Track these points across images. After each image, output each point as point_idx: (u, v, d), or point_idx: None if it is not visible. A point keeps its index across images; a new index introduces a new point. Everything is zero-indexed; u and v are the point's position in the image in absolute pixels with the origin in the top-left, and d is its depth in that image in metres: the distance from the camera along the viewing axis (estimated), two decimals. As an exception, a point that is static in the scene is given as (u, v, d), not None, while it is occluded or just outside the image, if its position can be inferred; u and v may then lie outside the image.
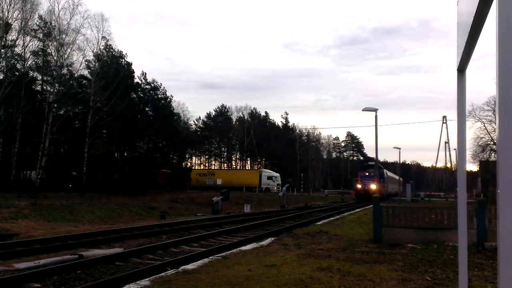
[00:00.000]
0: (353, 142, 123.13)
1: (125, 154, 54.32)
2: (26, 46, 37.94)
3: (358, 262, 9.21)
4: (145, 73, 55.96)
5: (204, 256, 10.32)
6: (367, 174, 49.70)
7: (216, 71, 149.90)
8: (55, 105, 39.27)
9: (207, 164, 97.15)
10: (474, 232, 11.25)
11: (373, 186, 44.35)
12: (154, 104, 55.54)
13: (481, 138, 49.35)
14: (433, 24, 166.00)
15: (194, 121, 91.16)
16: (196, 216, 26.78)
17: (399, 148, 57.28)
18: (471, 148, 48.94)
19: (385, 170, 52.92)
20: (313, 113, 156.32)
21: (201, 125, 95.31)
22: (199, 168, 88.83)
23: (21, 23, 36.36)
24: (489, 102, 46.35)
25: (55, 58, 39.16)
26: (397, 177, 70.67)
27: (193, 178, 64.82)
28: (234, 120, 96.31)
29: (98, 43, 43.18)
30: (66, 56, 39.08)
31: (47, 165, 38.31)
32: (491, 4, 1.69)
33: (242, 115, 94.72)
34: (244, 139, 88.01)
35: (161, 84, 57.48)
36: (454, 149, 48.85)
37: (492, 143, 47.21)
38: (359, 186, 50.83)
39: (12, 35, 36.86)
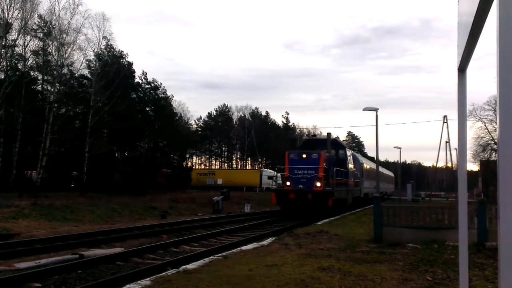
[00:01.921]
0: (354, 142, 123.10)
1: (126, 153, 54.38)
2: (27, 46, 38.01)
3: (358, 262, 9.21)
4: (146, 72, 56.07)
5: (204, 256, 10.33)
6: (304, 157, 23.65)
7: (217, 71, 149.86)
8: (56, 105, 39.28)
9: (207, 164, 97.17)
10: (474, 231, 11.24)
11: (317, 184, 22.84)
12: (154, 103, 55.58)
13: (482, 137, 49.41)
14: (434, 23, 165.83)
15: (194, 121, 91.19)
16: (197, 215, 26.78)
17: (400, 148, 57.29)
18: (471, 147, 48.99)
19: (350, 153, 29.77)
20: (314, 113, 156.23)
21: (201, 125, 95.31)
22: (199, 167, 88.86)
23: (21, 23, 36.38)
24: (489, 101, 46.42)
25: (55, 57, 39.18)
26: (387, 172, 56.38)
27: (194, 178, 64.82)
28: (234, 120, 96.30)
29: (99, 43, 43.20)
30: (66, 55, 39.09)
31: (47, 165, 38.32)
32: (492, 4, 1.69)
33: (242, 115, 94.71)
34: (244, 138, 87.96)
35: (161, 84, 57.61)
36: (455, 148, 48.86)
37: (492, 142, 47.21)
38: (287, 183, 23.85)
39: (12, 35, 36.90)
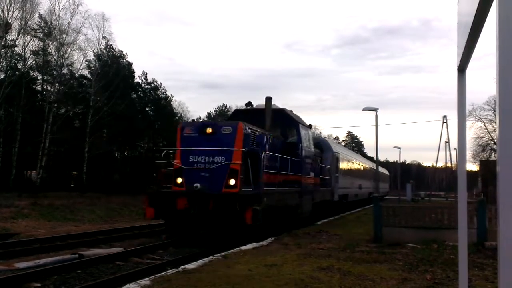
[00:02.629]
0: (353, 142, 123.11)
1: (126, 153, 54.36)
2: (26, 46, 37.97)
3: (358, 261, 9.21)
4: (146, 73, 55.92)
5: (204, 256, 10.32)
6: (208, 132, 13.03)
7: (217, 71, 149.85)
8: (56, 105, 39.26)
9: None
10: (474, 231, 11.26)
11: (230, 181, 12.36)
12: (154, 104, 55.54)
13: (482, 137, 49.45)
14: (434, 24, 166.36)
15: (194, 121, 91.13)
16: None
17: (399, 148, 57.26)
18: (471, 147, 49.00)
19: (309, 134, 18.72)
20: (314, 113, 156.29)
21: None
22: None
23: (21, 23, 36.36)
24: (489, 101, 46.48)
25: (55, 57, 39.17)
26: (380, 170, 45.07)
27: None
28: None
29: (98, 43, 43.19)
30: (66, 56, 39.08)
31: (47, 165, 38.31)
32: (491, 4, 1.69)
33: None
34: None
35: (161, 84, 57.49)
36: (455, 148, 48.76)
37: (492, 142, 47.23)
38: (177, 179, 13.03)
39: (12, 35, 36.89)
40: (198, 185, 12.27)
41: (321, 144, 22.68)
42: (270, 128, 15.32)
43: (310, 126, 18.52)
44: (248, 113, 16.30)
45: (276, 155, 14.68)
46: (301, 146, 16.62)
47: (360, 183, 33.32)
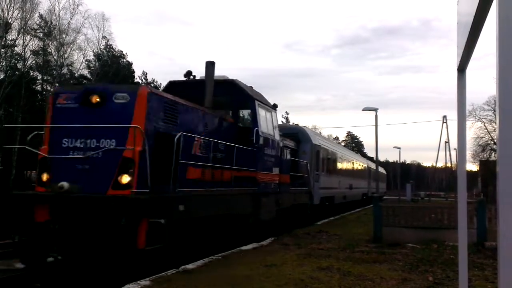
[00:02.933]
0: (353, 142, 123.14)
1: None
2: (26, 46, 38.02)
3: (358, 261, 9.21)
4: (146, 73, 56.08)
5: (204, 256, 10.31)
6: (95, 101, 8.04)
7: (217, 71, 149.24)
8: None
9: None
10: (474, 231, 11.27)
11: (122, 178, 7.58)
12: (154, 103, 55.64)
13: (481, 137, 49.56)
14: (434, 24, 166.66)
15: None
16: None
17: (399, 148, 57.28)
18: (471, 147, 49.09)
19: (273, 116, 13.57)
20: (314, 113, 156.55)
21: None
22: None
23: (21, 23, 36.39)
24: (489, 101, 46.60)
25: (55, 57, 39.20)
26: (380, 171, 41.99)
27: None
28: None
29: (98, 43, 43.23)
30: (66, 55, 39.15)
31: (47, 165, 38.31)
32: (491, 4, 1.69)
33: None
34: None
35: (161, 84, 57.57)
36: (454, 148, 48.72)
37: (492, 142, 47.28)
38: (43, 175, 8.47)
39: (12, 35, 36.93)
40: (65, 184, 7.82)
41: (298, 134, 18.75)
42: (209, 102, 10.95)
43: (274, 106, 14.13)
44: (187, 86, 12.05)
45: (210, 140, 9.83)
46: (257, 130, 11.93)
47: (350, 182, 28.56)
